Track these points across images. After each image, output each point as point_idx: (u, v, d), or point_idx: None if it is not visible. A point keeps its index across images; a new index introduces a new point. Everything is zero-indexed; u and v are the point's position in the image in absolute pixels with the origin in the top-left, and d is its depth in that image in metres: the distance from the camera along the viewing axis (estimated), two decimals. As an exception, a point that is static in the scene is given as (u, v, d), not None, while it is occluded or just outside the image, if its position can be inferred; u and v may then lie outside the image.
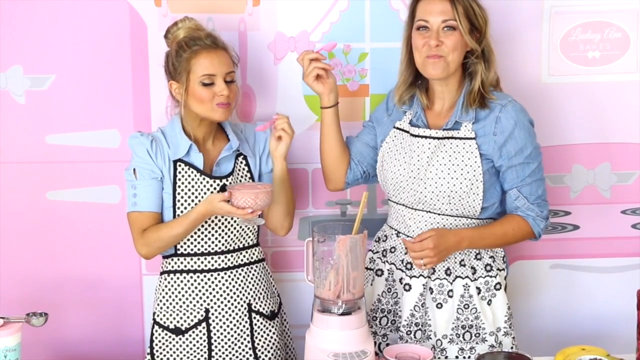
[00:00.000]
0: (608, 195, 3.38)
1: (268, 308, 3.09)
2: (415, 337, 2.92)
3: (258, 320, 3.05)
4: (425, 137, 2.89)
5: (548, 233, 3.01)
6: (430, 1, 2.84)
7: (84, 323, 3.38)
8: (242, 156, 3.04)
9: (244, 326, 3.03)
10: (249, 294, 3.03)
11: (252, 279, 3.05)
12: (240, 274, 3.02)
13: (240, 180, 3.02)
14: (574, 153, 3.34)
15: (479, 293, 2.89)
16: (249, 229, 3.03)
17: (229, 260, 3.01)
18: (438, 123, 2.91)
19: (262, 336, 3.06)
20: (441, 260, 2.82)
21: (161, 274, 3.04)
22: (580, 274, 3.45)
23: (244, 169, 3.04)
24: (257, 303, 3.05)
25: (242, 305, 3.02)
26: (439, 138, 2.86)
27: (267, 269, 3.13)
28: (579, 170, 3.36)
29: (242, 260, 3.03)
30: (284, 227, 3.11)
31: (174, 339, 3.00)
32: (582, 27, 3.25)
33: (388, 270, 3.01)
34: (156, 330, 3.03)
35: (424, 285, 2.91)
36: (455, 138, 2.84)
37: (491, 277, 2.90)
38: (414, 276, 2.92)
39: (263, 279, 3.09)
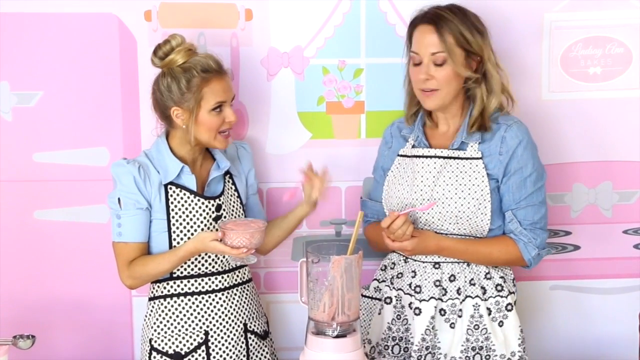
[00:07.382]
0: (609, 214, 3.35)
1: (261, 327, 3.10)
2: (426, 362, 2.88)
3: (253, 341, 3.05)
4: (430, 156, 2.85)
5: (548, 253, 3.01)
6: (422, 32, 2.81)
7: (72, 345, 3.35)
8: (228, 174, 3.03)
9: (241, 347, 3.02)
10: (244, 314, 3.03)
11: (246, 298, 3.04)
12: (236, 294, 3.01)
13: (231, 200, 3.00)
14: (575, 171, 3.31)
15: (489, 314, 2.84)
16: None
17: (225, 280, 2.99)
18: (444, 143, 2.88)
19: (257, 356, 3.06)
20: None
21: (154, 298, 3.00)
22: (581, 295, 3.42)
23: (231, 187, 3.03)
24: (251, 323, 3.05)
25: (238, 326, 3.01)
26: (444, 157, 2.82)
27: (255, 289, 3.13)
28: (579, 189, 3.33)
29: (235, 280, 3.02)
30: (267, 251, 3.16)
31: None
32: (583, 43, 3.22)
33: (396, 296, 2.98)
34: (154, 357, 2.99)
35: (435, 307, 2.87)
36: (462, 158, 2.80)
37: (502, 297, 2.87)
38: (424, 300, 2.88)
39: (255, 298, 3.10)
